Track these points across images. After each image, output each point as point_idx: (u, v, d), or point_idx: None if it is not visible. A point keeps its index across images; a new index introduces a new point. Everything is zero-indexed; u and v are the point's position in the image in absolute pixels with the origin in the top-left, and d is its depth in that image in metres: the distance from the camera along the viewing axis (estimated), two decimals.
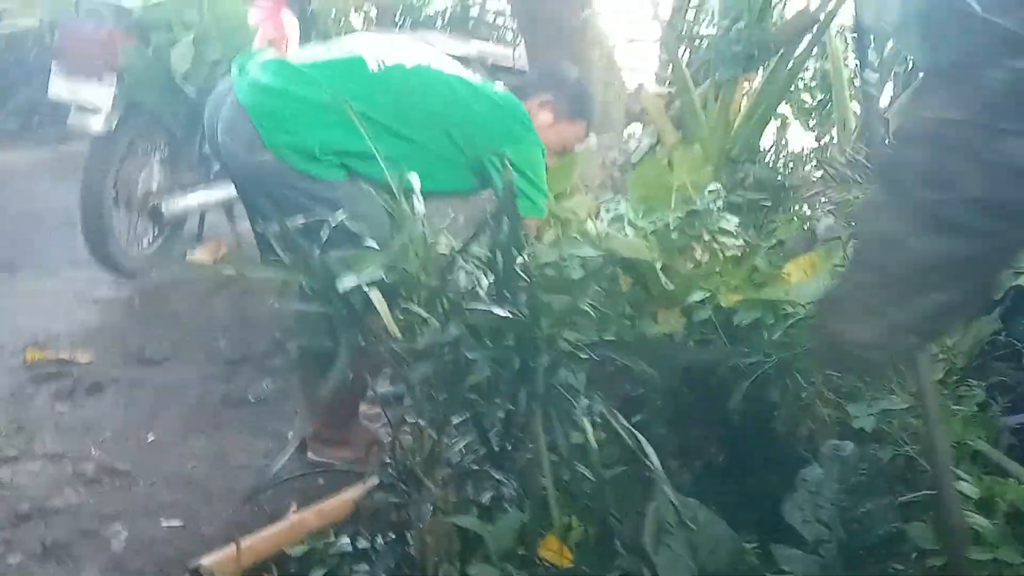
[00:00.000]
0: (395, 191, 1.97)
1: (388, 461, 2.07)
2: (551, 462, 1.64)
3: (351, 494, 2.56)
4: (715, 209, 3.29)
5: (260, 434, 3.24)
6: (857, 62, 2.18)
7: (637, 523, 1.88)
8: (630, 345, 1.85)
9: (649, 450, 1.66)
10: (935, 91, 1.22)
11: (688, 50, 5.54)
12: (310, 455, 3.05)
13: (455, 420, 1.93)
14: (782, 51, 4.67)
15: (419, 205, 1.89)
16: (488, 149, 2.77)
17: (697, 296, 2.47)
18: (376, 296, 1.62)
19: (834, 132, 5.33)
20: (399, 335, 1.59)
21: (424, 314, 1.68)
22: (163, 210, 4.26)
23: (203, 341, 3.92)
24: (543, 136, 2.89)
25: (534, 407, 1.61)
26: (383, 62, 2.75)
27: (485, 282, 1.71)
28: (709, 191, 3.43)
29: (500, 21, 8.79)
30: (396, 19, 8.64)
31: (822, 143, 5.40)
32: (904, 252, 1.22)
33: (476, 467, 1.91)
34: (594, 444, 1.65)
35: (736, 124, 4.82)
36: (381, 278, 1.71)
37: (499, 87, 2.97)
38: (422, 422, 1.91)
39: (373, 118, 2.64)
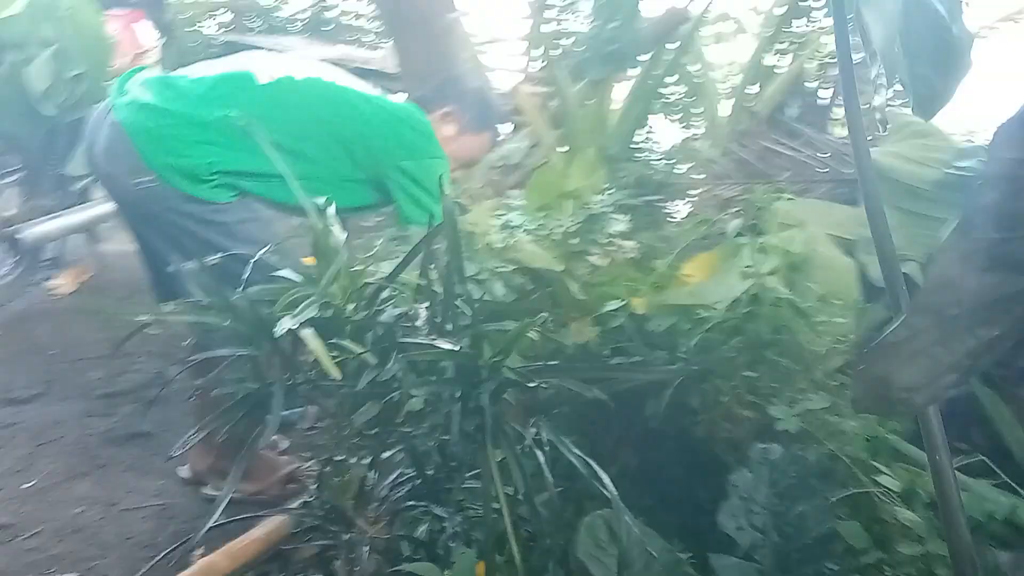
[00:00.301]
0: (310, 215, 1.85)
1: (310, 499, 1.97)
2: (505, 494, 1.57)
3: (262, 531, 2.43)
4: (609, 212, 3.28)
5: (148, 472, 3.05)
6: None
7: (571, 540, 1.85)
8: (576, 369, 1.78)
9: (603, 475, 1.60)
10: (1016, 132, 1.23)
11: (560, 49, 5.52)
12: (206, 490, 2.91)
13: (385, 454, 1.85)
14: (655, 49, 4.71)
15: (339, 230, 1.78)
16: (388, 164, 2.67)
17: (612, 305, 2.44)
18: (310, 335, 1.51)
19: (703, 127, 5.40)
20: (338, 375, 1.49)
21: (356, 350, 1.58)
22: (21, 237, 3.99)
23: (75, 374, 3.70)
24: (447, 149, 2.81)
25: (483, 439, 1.54)
26: (273, 76, 2.62)
27: (422, 312, 1.62)
28: (603, 194, 3.42)
29: (360, 23, 8.62)
30: (251, 24, 8.40)
31: (688, 139, 5.46)
32: (960, 292, 1.22)
33: (412, 502, 1.82)
34: (548, 475, 1.59)
35: (613, 123, 4.84)
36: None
37: (399, 98, 2.87)
38: (350, 458, 1.82)
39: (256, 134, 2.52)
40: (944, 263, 1.29)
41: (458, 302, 1.63)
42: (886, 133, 3.61)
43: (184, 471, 3.00)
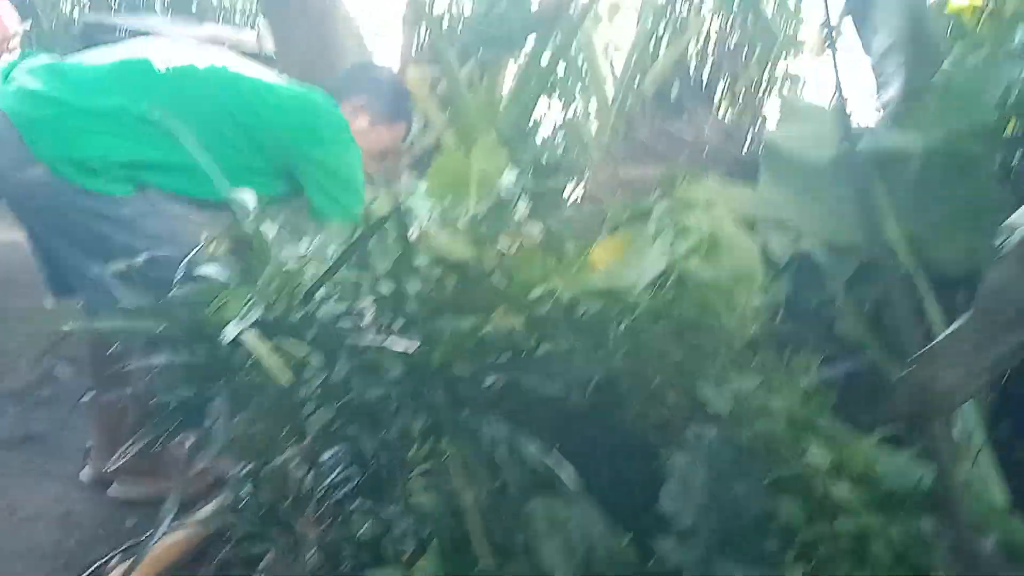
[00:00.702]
0: (236, 209, 1.77)
1: (239, 500, 1.90)
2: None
3: (180, 535, 2.34)
4: (514, 196, 3.27)
5: (46, 476, 2.92)
6: None
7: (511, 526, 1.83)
8: (528, 364, 1.76)
9: (568, 470, 1.59)
10: None
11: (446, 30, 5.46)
12: (113, 492, 2.79)
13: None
14: (544, 30, 4.70)
15: (269, 225, 1.72)
16: (298, 154, 2.59)
17: (537, 292, 2.41)
18: (254, 338, 1.44)
19: (589, 108, 5.44)
20: (287, 380, 1.43)
21: (298, 351, 1.52)
22: None
23: None
24: (361, 141, 2.74)
25: (440, 440, 1.51)
26: (172, 63, 2.51)
27: (367, 311, 1.57)
28: (507, 179, 3.41)
29: (226, 1, 8.37)
30: (112, 4, 8.06)
31: (574, 120, 5.49)
32: (1010, 294, 1.24)
33: (354, 501, 1.77)
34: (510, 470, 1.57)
35: (503, 105, 4.82)
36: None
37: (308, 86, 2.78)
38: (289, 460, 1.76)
39: (160, 125, 2.41)
40: (1002, 270, 1.31)
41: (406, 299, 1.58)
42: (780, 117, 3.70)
43: (86, 474, 2.87)
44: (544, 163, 4.18)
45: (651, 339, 2.34)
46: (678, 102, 5.48)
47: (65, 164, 2.37)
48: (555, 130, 4.95)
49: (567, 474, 1.63)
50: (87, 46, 6.45)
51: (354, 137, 2.72)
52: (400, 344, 1.47)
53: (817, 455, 2.15)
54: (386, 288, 1.61)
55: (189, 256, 1.76)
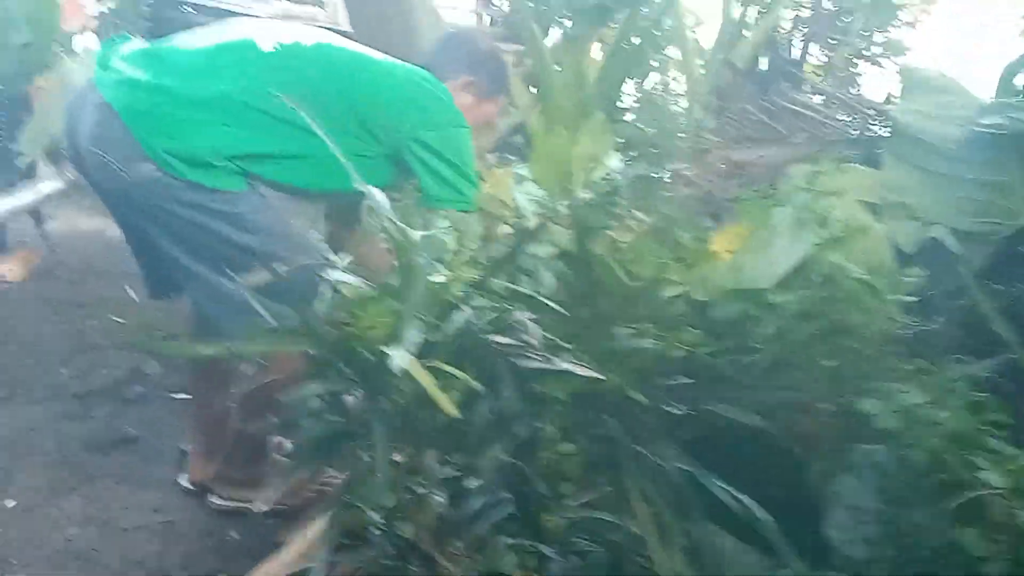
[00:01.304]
0: (378, 209, 1.59)
1: (379, 529, 1.74)
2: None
3: (292, 554, 2.19)
4: (622, 180, 3.08)
5: (143, 483, 2.77)
6: None
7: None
8: (712, 390, 1.57)
9: (762, 513, 1.41)
10: None
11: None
12: (214, 500, 2.65)
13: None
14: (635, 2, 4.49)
15: (413, 231, 1.54)
16: (407, 136, 2.40)
17: (672, 290, 2.21)
18: (417, 367, 1.27)
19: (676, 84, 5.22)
20: (455, 412, 1.26)
21: (461, 376, 1.34)
22: None
23: (42, 373, 3.38)
24: (468, 119, 2.55)
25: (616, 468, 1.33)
26: (277, 43, 2.33)
27: (533, 327, 1.39)
28: (612, 162, 3.22)
29: None
30: None
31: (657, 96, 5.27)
32: None
33: (505, 536, 1.60)
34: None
35: (592, 80, 4.62)
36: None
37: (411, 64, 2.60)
38: (427, 487, 1.59)
39: (270, 111, 2.25)
40: None
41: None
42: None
43: (184, 480, 2.74)
44: (642, 143, 3.97)
45: (800, 344, 2.14)
46: (768, 75, 5.25)
47: (176, 158, 2.20)
48: (646, 107, 4.72)
49: (760, 513, 1.44)
50: (157, 25, 6.34)
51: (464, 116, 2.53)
52: (574, 367, 1.28)
53: (991, 476, 1.95)
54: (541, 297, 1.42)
55: (317, 260, 1.58)
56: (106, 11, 3.99)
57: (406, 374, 1.27)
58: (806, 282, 2.40)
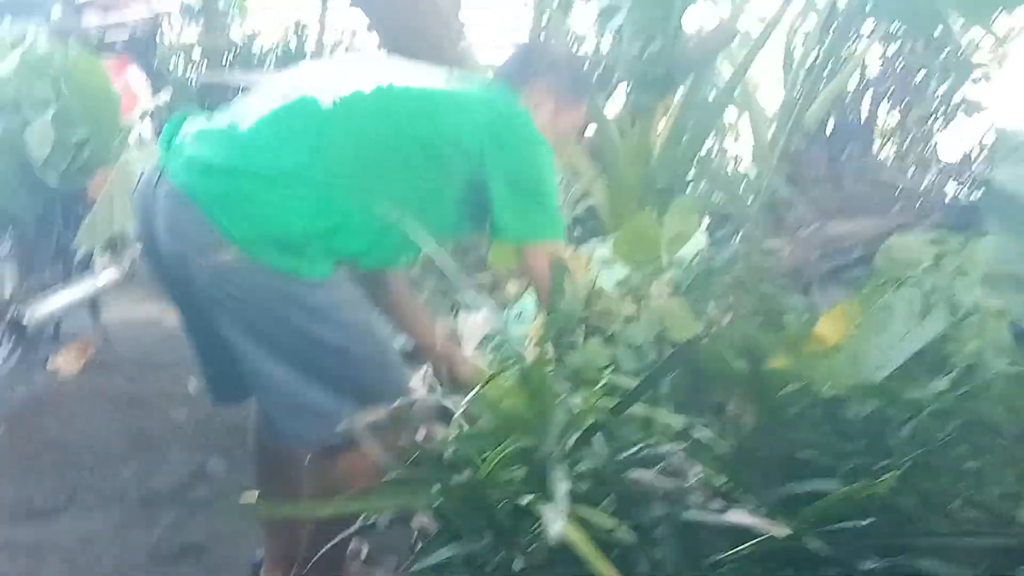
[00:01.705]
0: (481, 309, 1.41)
1: None
2: None
3: None
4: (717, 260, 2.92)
5: None
6: None
7: None
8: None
9: None
10: None
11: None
12: None
13: None
14: (701, 69, 4.34)
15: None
16: (481, 165, 2.15)
17: (793, 385, 1.98)
18: (573, 532, 1.06)
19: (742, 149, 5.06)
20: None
21: (610, 527, 1.14)
22: (24, 320, 3.49)
23: (101, 476, 3.22)
24: (548, 134, 2.29)
25: None
26: (338, 94, 2.15)
27: (688, 463, 1.20)
28: (699, 241, 3.06)
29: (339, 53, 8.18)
30: (225, 62, 7.95)
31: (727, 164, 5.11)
32: None
33: None
34: None
35: (657, 151, 4.46)
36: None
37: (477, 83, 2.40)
38: None
39: (344, 173, 2.07)
40: None
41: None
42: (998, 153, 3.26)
43: None
44: (722, 215, 3.80)
45: (939, 445, 1.92)
46: (837, 138, 5.06)
47: (261, 243, 2.00)
48: (714, 178, 4.54)
49: None
50: (205, 108, 6.28)
51: (542, 133, 2.28)
52: (746, 518, 1.09)
53: None
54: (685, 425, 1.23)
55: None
56: (162, 105, 3.90)
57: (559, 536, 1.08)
58: (932, 372, 2.20)
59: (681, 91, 4.42)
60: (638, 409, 1.30)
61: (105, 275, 3.91)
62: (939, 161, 4.62)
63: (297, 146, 2.07)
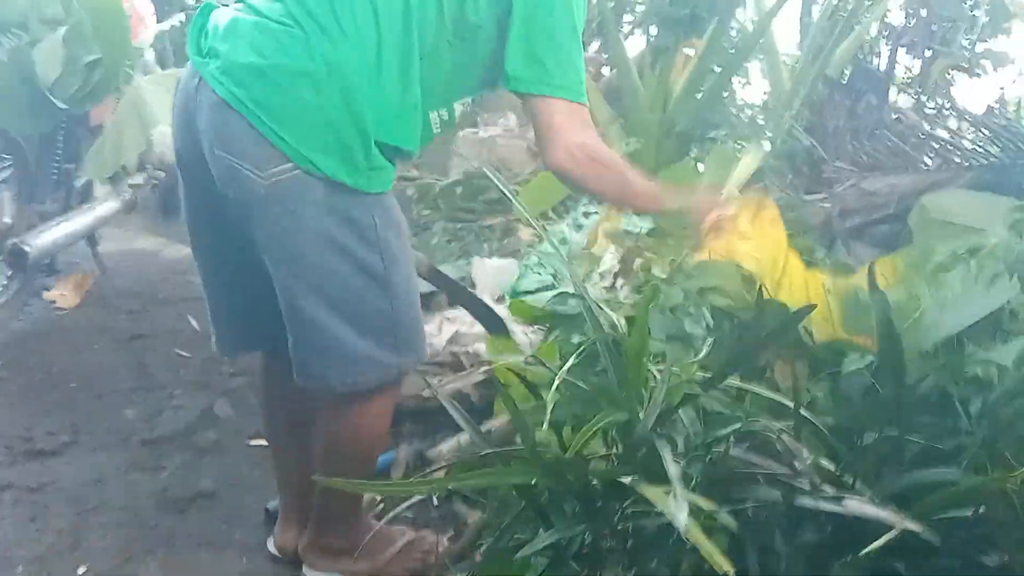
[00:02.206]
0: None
1: None
2: None
3: None
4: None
5: (226, 546, 2.50)
6: None
7: None
8: None
9: None
10: None
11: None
12: (306, 571, 2.37)
13: None
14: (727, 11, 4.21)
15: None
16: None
17: (855, 362, 1.86)
18: (697, 532, 0.96)
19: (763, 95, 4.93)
20: (729, 567, 0.97)
21: (719, 516, 1.05)
22: (26, 250, 3.35)
23: (105, 414, 3.12)
24: None
25: None
26: None
27: (799, 447, 1.11)
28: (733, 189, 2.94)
29: None
30: None
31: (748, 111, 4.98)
32: None
33: None
34: None
35: (676, 95, 4.33)
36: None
37: None
38: None
39: (393, 43, 1.85)
40: None
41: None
42: None
43: (272, 546, 2.47)
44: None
45: (1007, 421, 1.82)
46: (857, 87, 4.94)
47: (320, 151, 1.82)
48: (735, 125, 4.41)
49: None
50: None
51: None
52: (866, 506, 1.00)
53: None
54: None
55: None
56: (173, 28, 3.71)
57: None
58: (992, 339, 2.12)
59: (705, 34, 4.30)
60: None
61: (106, 206, 3.77)
62: (962, 112, 4.51)
63: (341, 28, 1.83)
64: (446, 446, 2.66)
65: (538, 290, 3.13)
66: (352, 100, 1.82)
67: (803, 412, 1.13)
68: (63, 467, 2.82)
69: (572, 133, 1.92)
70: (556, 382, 1.23)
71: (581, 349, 1.27)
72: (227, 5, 1.95)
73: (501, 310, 3.09)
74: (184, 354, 3.52)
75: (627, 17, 5.87)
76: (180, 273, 4.28)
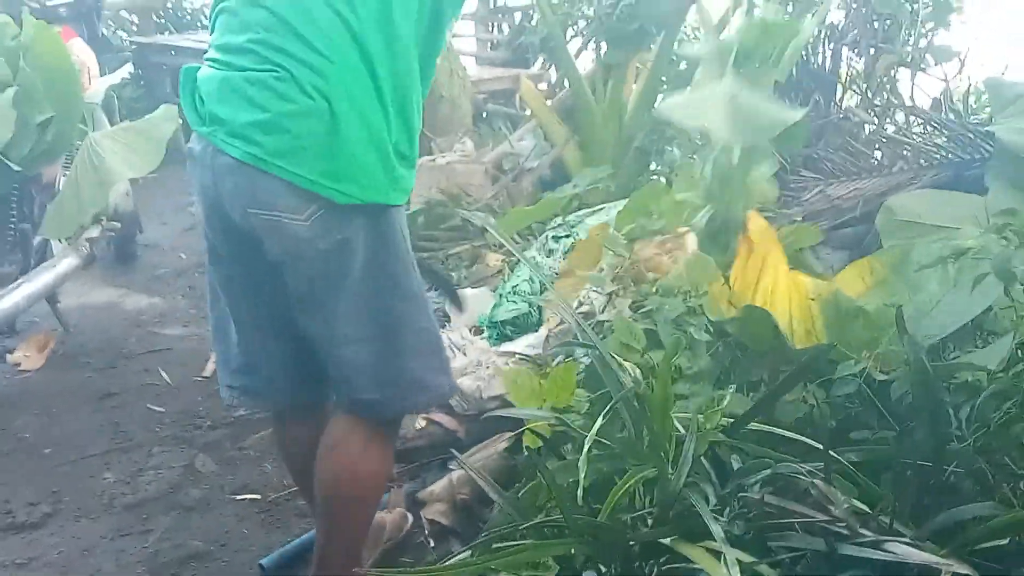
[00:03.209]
0: None
1: None
2: None
3: None
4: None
5: None
6: None
7: None
8: None
9: None
10: None
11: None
12: None
13: None
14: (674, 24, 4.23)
15: None
16: None
17: (849, 367, 1.88)
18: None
19: None
20: None
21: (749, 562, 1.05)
22: None
23: (84, 479, 3.04)
24: None
25: None
26: None
27: (833, 491, 1.10)
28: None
29: None
30: (159, 24, 7.66)
31: None
32: None
33: None
34: None
35: (630, 110, 4.35)
36: None
37: None
38: None
39: (371, 41, 1.83)
40: None
41: None
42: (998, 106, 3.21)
43: None
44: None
45: (998, 425, 1.84)
46: (800, 89, 4.99)
47: (345, 179, 1.82)
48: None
49: None
50: (140, 68, 5.98)
51: None
52: (913, 551, 1.00)
53: None
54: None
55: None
56: (122, 81, 3.65)
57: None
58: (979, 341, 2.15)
59: (654, 48, 4.32)
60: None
61: (65, 263, 3.70)
62: (909, 107, 4.58)
63: (321, 55, 1.81)
64: (438, 486, 2.64)
65: (515, 319, 3.12)
66: (359, 120, 1.82)
67: (832, 453, 1.13)
68: (48, 539, 2.75)
69: None
70: (586, 446, 1.22)
71: (608, 408, 1.26)
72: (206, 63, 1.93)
73: (480, 342, 3.09)
74: (158, 409, 3.45)
75: (570, 32, 5.91)
76: (143, 324, 4.21)
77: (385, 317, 1.93)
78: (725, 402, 1.32)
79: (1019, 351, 1.94)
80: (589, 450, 1.20)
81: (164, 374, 3.70)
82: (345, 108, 1.81)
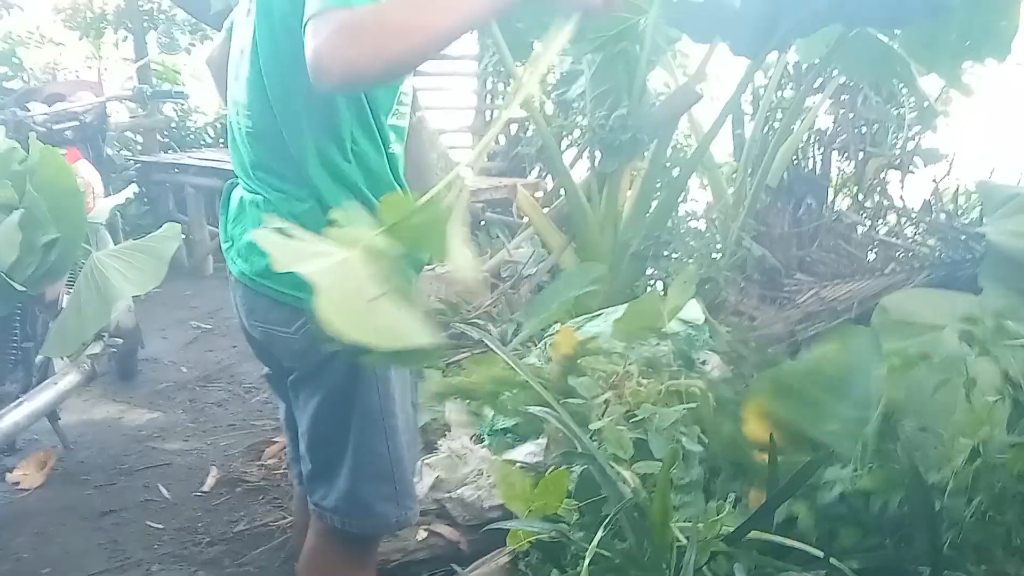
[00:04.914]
0: None
1: None
2: None
3: None
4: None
5: None
6: None
7: None
8: None
9: None
10: None
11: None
12: None
13: None
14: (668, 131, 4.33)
15: None
16: None
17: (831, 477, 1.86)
18: None
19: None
20: None
21: None
22: None
23: None
24: None
25: None
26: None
27: None
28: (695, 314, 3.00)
29: None
30: (162, 143, 7.84)
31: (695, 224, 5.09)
32: None
33: None
34: None
35: (625, 217, 4.42)
36: None
37: None
38: None
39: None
40: None
41: None
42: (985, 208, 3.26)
43: None
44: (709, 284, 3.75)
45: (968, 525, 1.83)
46: (792, 192, 5.08)
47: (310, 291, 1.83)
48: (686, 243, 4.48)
49: None
50: (144, 186, 6.09)
51: None
52: None
53: None
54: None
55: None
56: (128, 201, 3.73)
57: None
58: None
59: (646, 155, 4.42)
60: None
61: (67, 380, 3.71)
62: (900, 209, 4.64)
63: (287, 176, 1.85)
64: None
65: (516, 426, 3.12)
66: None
67: (834, 562, 1.12)
68: None
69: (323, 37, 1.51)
70: (587, 559, 1.22)
71: (608, 520, 1.26)
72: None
73: (481, 451, 3.07)
74: (157, 526, 3.42)
75: (565, 142, 6.05)
76: (144, 440, 4.20)
77: (340, 434, 1.91)
78: (725, 512, 1.33)
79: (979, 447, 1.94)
80: (591, 562, 1.20)
81: (164, 490, 3.68)
82: (311, 224, 1.83)
